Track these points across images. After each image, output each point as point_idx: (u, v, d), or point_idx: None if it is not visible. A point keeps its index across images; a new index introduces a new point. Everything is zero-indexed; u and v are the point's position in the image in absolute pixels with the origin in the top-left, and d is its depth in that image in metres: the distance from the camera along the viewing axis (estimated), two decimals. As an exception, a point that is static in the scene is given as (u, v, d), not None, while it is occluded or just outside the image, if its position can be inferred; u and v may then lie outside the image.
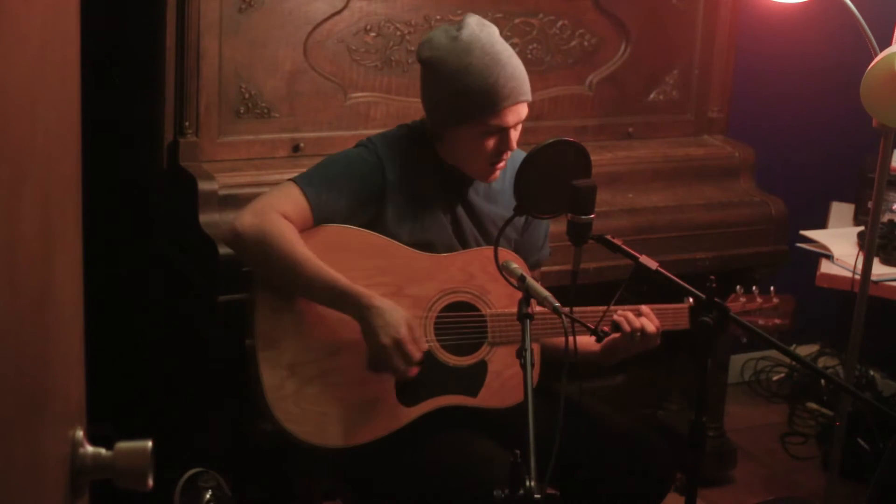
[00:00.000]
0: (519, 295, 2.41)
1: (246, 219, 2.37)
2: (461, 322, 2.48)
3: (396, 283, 2.44)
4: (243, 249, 2.40)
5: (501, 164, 2.48)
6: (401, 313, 2.35)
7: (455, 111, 2.41)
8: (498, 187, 2.58)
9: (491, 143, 2.43)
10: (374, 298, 2.34)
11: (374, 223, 2.45)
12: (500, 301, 2.49)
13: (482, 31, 2.42)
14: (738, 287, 2.66)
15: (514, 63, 2.42)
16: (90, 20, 1.44)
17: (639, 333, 2.48)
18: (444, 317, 2.47)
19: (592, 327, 2.41)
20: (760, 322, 2.65)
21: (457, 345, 2.48)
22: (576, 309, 2.36)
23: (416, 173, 2.49)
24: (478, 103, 2.38)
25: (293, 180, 2.43)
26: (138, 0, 2.98)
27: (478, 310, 2.49)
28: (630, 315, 2.49)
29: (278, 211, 2.36)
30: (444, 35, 2.43)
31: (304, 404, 2.39)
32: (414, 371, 2.38)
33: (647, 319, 2.50)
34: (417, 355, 2.36)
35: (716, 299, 2.25)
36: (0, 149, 0.88)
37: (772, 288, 2.69)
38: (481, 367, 2.49)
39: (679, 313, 2.57)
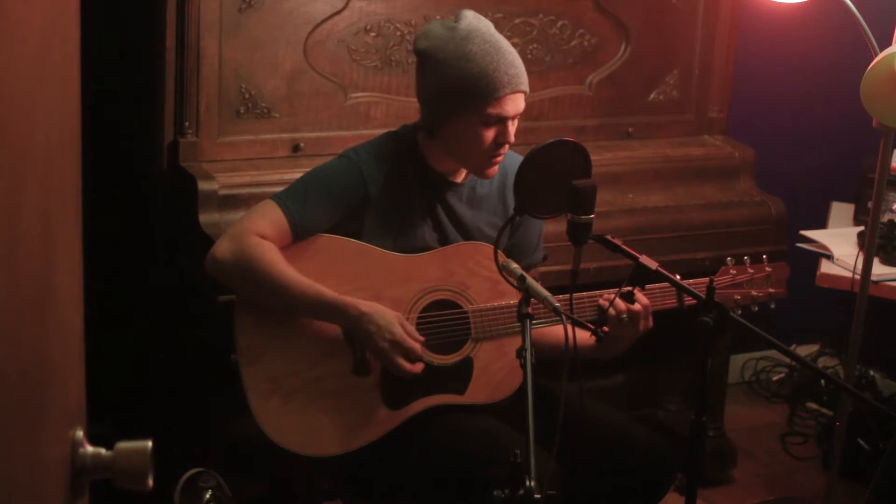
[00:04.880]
0: (501, 288, 2.43)
1: (224, 245, 2.38)
2: (443, 320, 2.48)
3: (374, 288, 2.43)
4: (225, 276, 2.41)
5: (499, 158, 2.47)
6: (390, 314, 2.36)
7: (455, 99, 2.40)
8: (483, 192, 2.57)
9: (490, 134, 2.42)
10: (361, 305, 2.35)
11: (356, 236, 2.45)
12: (480, 296, 2.49)
13: (479, 22, 2.43)
14: (728, 259, 2.64)
15: (512, 52, 2.42)
16: (90, 21, 1.44)
17: (625, 314, 2.44)
18: (425, 316, 2.46)
19: (593, 327, 2.41)
20: (753, 293, 2.63)
21: (441, 343, 2.47)
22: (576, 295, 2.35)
23: (400, 183, 2.48)
24: (478, 90, 2.37)
25: (272, 198, 2.43)
26: (138, 0, 2.98)
27: (459, 307, 2.48)
28: (615, 298, 2.46)
29: (255, 232, 2.37)
30: (441, 26, 2.43)
31: (291, 416, 2.39)
32: (419, 367, 2.39)
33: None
34: (417, 349, 2.37)
35: (715, 300, 2.25)
36: (0, 149, 0.88)
37: (764, 257, 2.67)
38: (467, 363, 2.49)
39: (665, 292, 2.54)
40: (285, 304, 2.38)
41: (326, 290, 2.36)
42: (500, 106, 2.39)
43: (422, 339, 2.40)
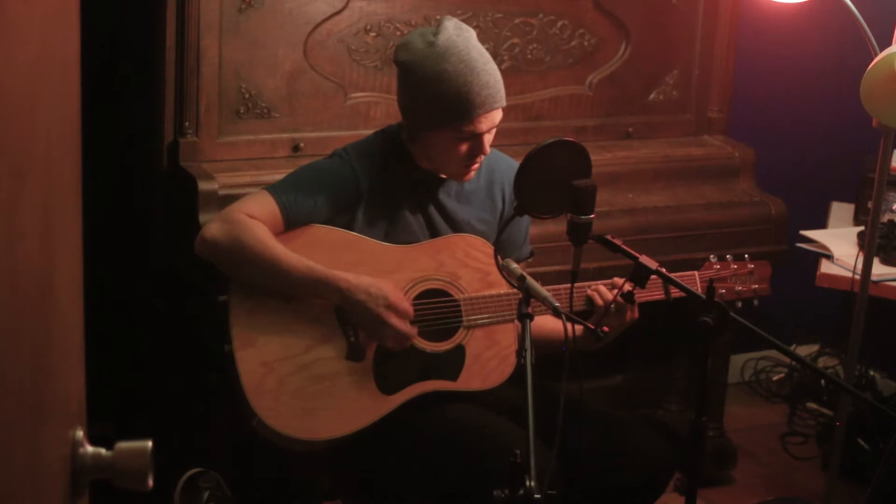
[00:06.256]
0: (491, 278, 2.47)
1: (213, 225, 2.41)
2: (435, 308, 2.50)
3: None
4: (215, 255, 2.41)
5: (476, 166, 2.51)
6: (380, 282, 2.40)
7: (428, 116, 2.44)
8: (471, 188, 2.60)
9: (464, 147, 2.46)
10: (352, 278, 2.39)
11: (348, 229, 2.48)
12: (471, 285, 2.52)
13: (459, 36, 2.43)
14: (711, 256, 2.67)
15: (488, 70, 2.43)
16: (90, 20, 1.44)
17: (613, 305, 2.48)
18: (417, 304, 2.49)
19: (592, 327, 2.41)
20: (738, 288, 2.66)
21: (433, 331, 2.50)
22: (564, 287, 2.37)
23: (391, 180, 2.52)
24: (451, 111, 2.40)
25: (266, 188, 2.46)
26: (138, 0, 2.98)
27: (450, 295, 2.51)
28: (602, 288, 2.52)
29: (245, 213, 2.39)
30: (421, 39, 2.45)
31: (285, 400, 2.40)
32: (415, 331, 2.42)
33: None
34: (410, 310, 2.42)
35: (715, 299, 2.25)
36: (0, 149, 0.88)
37: (746, 255, 2.70)
38: (459, 351, 2.51)
39: (653, 284, 2.56)
40: (276, 279, 2.39)
41: (316, 265, 2.39)
42: (474, 125, 2.43)
43: (411, 311, 2.44)
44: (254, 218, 2.39)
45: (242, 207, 2.41)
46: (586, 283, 2.52)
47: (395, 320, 2.40)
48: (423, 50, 2.42)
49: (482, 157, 2.49)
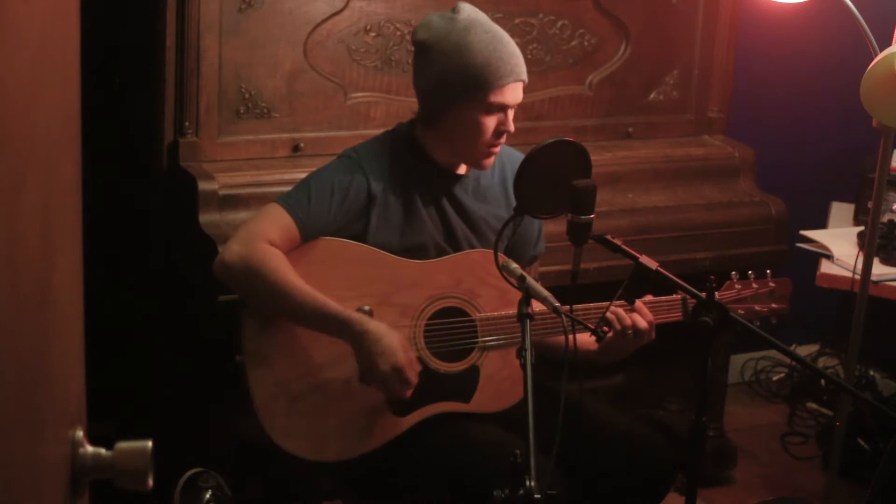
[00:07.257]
0: (509, 297, 2.41)
1: (233, 249, 2.36)
2: (451, 328, 2.47)
3: (383, 293, 2.43)
4: (231, 281, 2.40)
5: (496, 149, 2.47)
6: (395, 338, 2.34)
7: (457, 89, 2.40)
8: (486, 184, 2.57)
9: (491, 122, 2.42)
10: (367, 323, 2.33)
11: (363, 234, 2.45)
12: (489, 304, 2.48)
13: (477, 13, 2.46)
14: (732, 273, 2.65)
15: (512, 42, 2.45)
16: (90, 20, 1.44)
17: (630, 330, 2.46)
18: (433, 324, 2.46)
19: (592, 327, 2.41)
20: (757, 308, 2.64)
21: (447, 351, 2.47)
22: (575, 307, 2.36)
23: (404, 179, 2.48)
24: (481, 79, 2.38)
25: (278, 201, 2.43)
26: (138, 0, 2.98)
27: (467, 314, 2.48)
28: (621, 312, 2.47)
29: (265, 238, 2.35)
30: (440, 18, 2.45)
31: (297, 420, 2.39)
32: (409, 393, 2.38)
33: (638, 315, 2.47)
34: (415, 380, 2.36)
35: (715, 299, 2.25)
36: (0, 149, 0.88)
37: (768, 272, 2.68)
38: (473, 372, 2.48)
39: (672, 305, 2.56)
40: (288, 312, 2.37)
41: (331, 304, 2.34)
42: (502, 94, 2.41)
43: (419, 368, 2.39)
44: (272, 242, 2.35)
45: (261, 231, 2.36)
46: (604, 304, 2.48)
47: (394, 385, 2.34)
48: (445, 25, 2.42)
49: (504, 138, 2.46)
